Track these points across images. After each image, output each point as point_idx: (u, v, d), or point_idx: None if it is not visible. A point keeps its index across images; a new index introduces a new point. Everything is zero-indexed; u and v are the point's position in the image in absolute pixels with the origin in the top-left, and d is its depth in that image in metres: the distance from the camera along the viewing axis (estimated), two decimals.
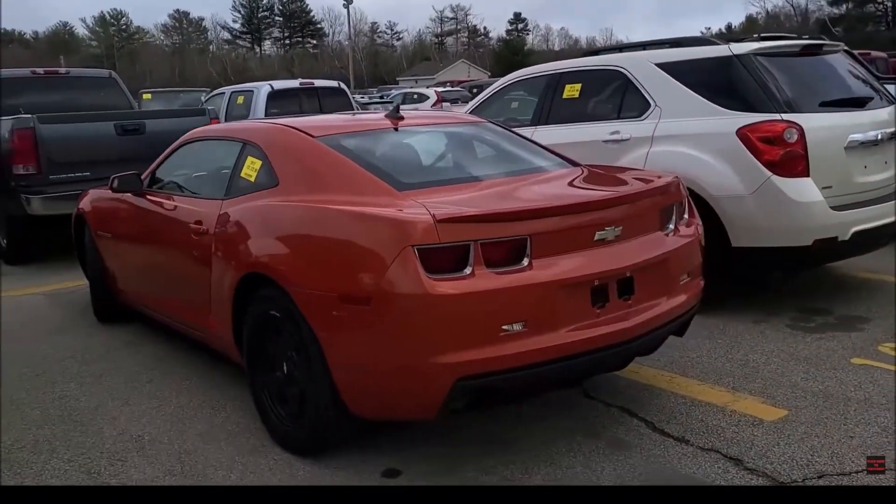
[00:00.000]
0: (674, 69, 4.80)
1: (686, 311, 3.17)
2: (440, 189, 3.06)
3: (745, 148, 4.30)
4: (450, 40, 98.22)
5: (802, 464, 2.82)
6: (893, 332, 4.13)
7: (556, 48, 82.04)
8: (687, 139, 4.58)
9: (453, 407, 2.64)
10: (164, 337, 4.59)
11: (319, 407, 2.89)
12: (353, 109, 10.09)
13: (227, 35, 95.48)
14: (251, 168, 3.53)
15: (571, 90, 5.45)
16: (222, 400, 3.71)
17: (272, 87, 10.60)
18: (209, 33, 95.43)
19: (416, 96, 22.69)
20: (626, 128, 4.94)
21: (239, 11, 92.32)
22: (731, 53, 4.57)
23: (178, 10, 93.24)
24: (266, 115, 9.84)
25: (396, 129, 3.67)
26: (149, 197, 4.27)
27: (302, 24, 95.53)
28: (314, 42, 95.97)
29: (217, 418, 3.51)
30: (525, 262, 2.66)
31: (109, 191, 4.44)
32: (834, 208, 4.26)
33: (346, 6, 44.10)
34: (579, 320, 2.73)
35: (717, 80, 4.61)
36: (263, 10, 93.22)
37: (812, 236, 4.21)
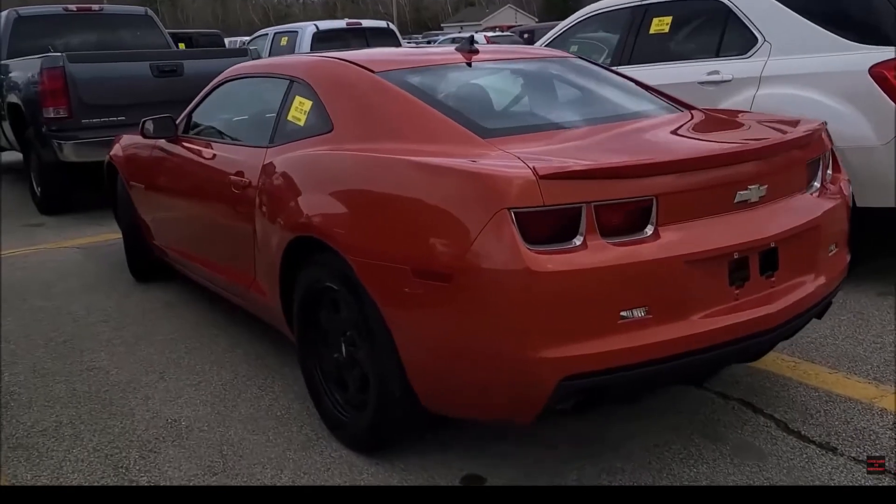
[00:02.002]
0: None
1: (833, 290, 2.57)
2: (533, 136, 2.49)
3: (879, 89, 3.61)
4: None
5: None
6: None
7: None
8: (804, 79, 3.90)
9: (556, 409, 2.11)
10: (205, 298, 4.15)
11: (385, 397, 2.39)
12: None
13: None
14: (299, 110, 2.99)
15: (660, 24, 4.76)
16: (269, 377, 3.25)
17: (317, 27, 9.98)
18: None
19: None
20: (728, 67, 4.26)
21: None
22: None
23: None
24: None
25: (470, 65, 3.08)
26: (184, 144, 3.78)
27: None
28: None
29: (264, 400, 3.05)
30: (649, 230, 2.09)
31: (141, 136, 3.94)
32: None
33: None
34: (715, 304, 2.16)
35: (845, 8, 3.90)
36: None
37: None
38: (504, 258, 1.98)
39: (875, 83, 3.62)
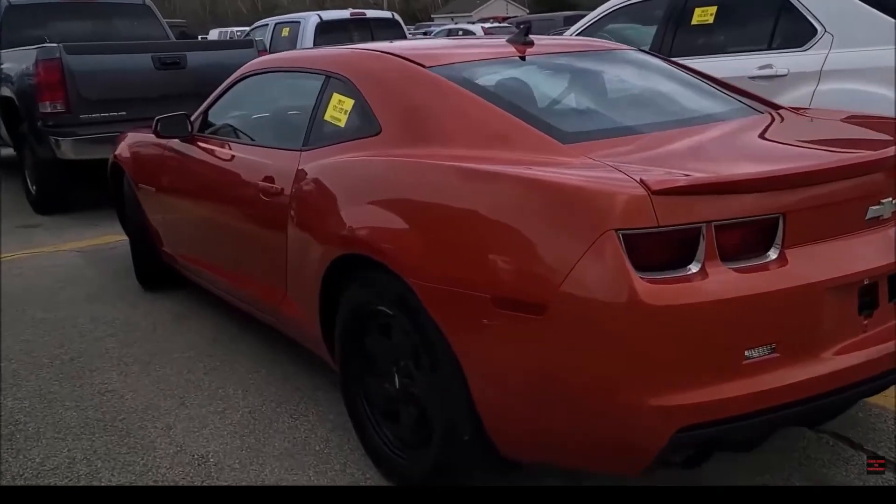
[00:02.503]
0: None
1: None
2: (619, 141, 2.18)
3: None
4: None
5: None
6: None
7: None
8: (871, 74, 3.62)
9: (667, 461, 1.82)
10: (217, 309, 3.84)
11: (452, 441, 2.09)
12: None
13: None
14: (339, 109, 2.68)
15: (703, 14, 4.46)
16: (302, 403, 2.94)
17: (321, 17, 9.60)
18: None
19: (460, 32, 21.44)
20: (783, 60, 3.98)
21: None
22: None
23: None
24: None
25: (523, 59, 2.77)
26: (200, 144, 3.45)
27: None
28: None
29: (299, 431, 2.74)
30: (773, 253, 1.79)
31: (152, 135, 3.61)
32: None
33: None
34: (846, 337, 1.87)
35: None
36: None
37: None
38: (611, 288, 1.68)
39: None
